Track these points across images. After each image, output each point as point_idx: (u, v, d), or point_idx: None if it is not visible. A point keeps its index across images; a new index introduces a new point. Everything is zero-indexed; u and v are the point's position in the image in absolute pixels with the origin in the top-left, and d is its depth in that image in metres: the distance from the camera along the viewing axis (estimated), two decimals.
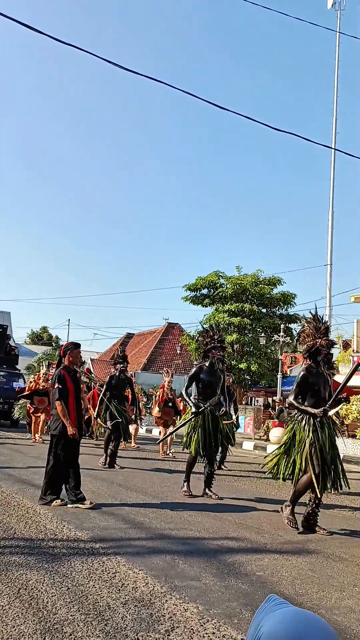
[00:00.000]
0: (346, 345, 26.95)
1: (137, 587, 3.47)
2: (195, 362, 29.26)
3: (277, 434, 17.67)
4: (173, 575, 3.74)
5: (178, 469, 9.65)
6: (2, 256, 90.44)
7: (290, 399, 5.63)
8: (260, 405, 28.39)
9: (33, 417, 12.85)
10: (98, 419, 10.02)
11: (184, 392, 7.09)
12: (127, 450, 12.14)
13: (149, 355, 41.46)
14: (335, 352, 26.24)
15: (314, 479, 5.24)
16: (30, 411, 12.97)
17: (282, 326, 25.90)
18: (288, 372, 34.95)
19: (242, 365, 26.63)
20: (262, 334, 27.03)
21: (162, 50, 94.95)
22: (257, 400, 34.32)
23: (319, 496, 5.38)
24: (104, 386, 9.80)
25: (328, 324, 5.89)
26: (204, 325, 7.82)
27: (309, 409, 5.44)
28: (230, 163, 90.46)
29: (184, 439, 7.03)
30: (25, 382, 16.44)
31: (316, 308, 5.97)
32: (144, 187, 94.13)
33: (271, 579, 3.84)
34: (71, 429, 5.78)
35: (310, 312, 5.90)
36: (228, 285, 27.88)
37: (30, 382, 13.61)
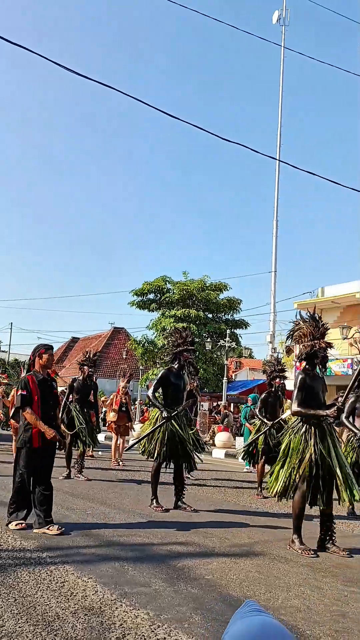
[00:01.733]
0: (289, 350, 27.64)
1: (86, 596, 3.43)
2: (141, 367, 28.98)
3: (222, 438, 17.94)
4: (123, 582, 3.73)
5: (125, 478, 9.63)
6: None
7: (295, 406, 5.10)
8: (205, 410, 28.64)
9: None
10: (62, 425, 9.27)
11: (151, 396, 6.71)
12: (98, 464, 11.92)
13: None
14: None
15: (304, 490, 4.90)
16: None
17: (227, 331, 26.29)
18: (233, 377, 35.46)
19: None
20: (208, 339, 27.31)
21: (107, 56, 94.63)
22: (202, 405, 34.62)
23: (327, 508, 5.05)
24: (67, 389, 9.29)
25: (326, 325, 5.50)
26: (175, 326, 7.39)
27: (320, 412, 4.99)
28: (178, 171, 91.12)
29: (146, 445, 6.59)
30: None
31: (316, 310, 5.60)
32: (90, 191, 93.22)
33: (220, 582, 3.89)
34: (50, 432, 5.14)
35: (308, 312, 5.53)
36: (175, 291, 28.05)
37: None
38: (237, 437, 18.65)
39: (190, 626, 3.07)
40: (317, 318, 5.44)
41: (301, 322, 5.41)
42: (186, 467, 6.75)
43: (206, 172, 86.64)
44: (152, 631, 2.96)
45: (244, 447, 9.28)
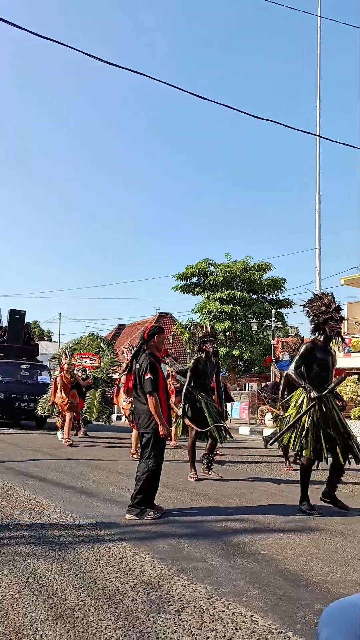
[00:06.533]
0: None
1: (144, 571, 3.49)
2: (188, 351, 28.98)
3: (271, 417, 17.86)
4: (179, 558, 3.78)
5: (180, 458, 9.69)
6: None
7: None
8: (254, 391, 28.54)
9: (67, 414, 11.25)
10: (186, 419, 7.24)
11: (293, 374, 5.46)
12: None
13: None
14: None
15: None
16: (66, 407, 11.40)
17: (273, 311, 25.98)
18: (280, 357, 35.10)
19: (235, 352, 26.77)
20: (254, 320, 27.09)
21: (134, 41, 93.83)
22: (252, 386, 34.50)
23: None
24: (188, 373, 7.34)
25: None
26: (315, 293, 6.14)
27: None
28: (215, 151, 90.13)
29: (293, 438, 5.43)
30: (51, 376, 14.77)
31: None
32: (129, 179, 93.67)
33: (276, 557, 3.88)
34: (163, 428, 4.99)
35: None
36: (218, 273, 27.88)
37: (57, 375, 12.16)
38: None
39: (248, 599, 3.08)
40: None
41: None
42: (349, 459, 5.47)
43: (245, 151, 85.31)
44: (211, 604, 2.99)
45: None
